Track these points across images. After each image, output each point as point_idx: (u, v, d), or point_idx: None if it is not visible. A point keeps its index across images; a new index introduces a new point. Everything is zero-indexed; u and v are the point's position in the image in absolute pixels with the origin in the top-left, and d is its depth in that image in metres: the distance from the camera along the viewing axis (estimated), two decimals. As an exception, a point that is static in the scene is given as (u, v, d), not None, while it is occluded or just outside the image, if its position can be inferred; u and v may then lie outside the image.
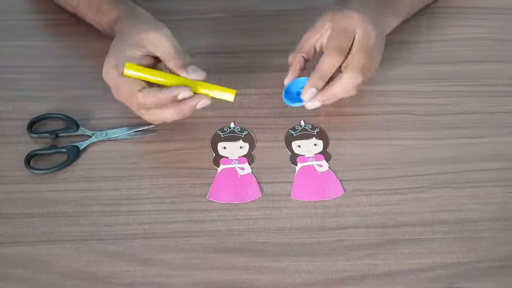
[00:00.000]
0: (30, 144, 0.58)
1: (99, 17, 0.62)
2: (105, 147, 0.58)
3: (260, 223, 0.53)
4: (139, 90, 0.52)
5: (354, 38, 0.55)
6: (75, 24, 0.68)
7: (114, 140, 0.58)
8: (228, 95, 0.53)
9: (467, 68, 0.65)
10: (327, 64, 0.55)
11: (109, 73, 0.53)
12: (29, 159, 0.56)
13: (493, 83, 0.64)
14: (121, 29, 0.57)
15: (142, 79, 0.53)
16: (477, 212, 0.53)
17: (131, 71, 0.52)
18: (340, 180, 0.55)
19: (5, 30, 0.68)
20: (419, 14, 0.69)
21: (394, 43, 0.66)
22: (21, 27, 0.69)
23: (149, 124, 0.59)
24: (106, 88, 0.62)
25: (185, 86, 0.52)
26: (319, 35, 0.57)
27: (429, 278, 0.49)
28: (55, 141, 0.58)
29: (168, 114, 0.53)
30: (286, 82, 0.57)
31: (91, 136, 0.58)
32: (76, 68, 0.65)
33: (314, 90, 0.55)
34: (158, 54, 0.53)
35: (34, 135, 0.58)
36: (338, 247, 0.51)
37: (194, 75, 0.52)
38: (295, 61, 0.57)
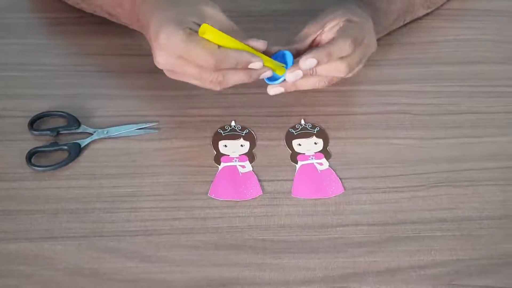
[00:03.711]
0: (31, 141, 0.58)
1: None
2: (107, 145, 0.58)
3: (261, 220, 0.53)
4: (219, 49, 0.50)
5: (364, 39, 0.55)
6: (77, 23, 0.68)
7: (115, 137, 0.58)
8: (279, 70, 0.55)
9: (465, 68, 0.66)
10: (339, 47, 0.53)
11: (174, 38, 0.50)
12: (31, 156, 0.56)
13: (491, 83, 0.65)
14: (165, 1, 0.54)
15: (215, 42, 0.50)
16: (475, 210, 0.54)
17: (209, 34, 0.50)
18: (340, 178, 0.56)
19: (7, 28, 0.69)
20: (418, 16, 0.70)
21: (394, 44, 0.67)
22: (23, 25, 0.69)
23: (151, 122, 0.59)
24: (108, 85, 0.63)
25: (258, 56, 0.52)
26: (322, 31, 0.56)
27: (429, 275, 0.50)
28: (57, 138, 0.58)
29: (237, 77, 0.53)
30: (275, 49, 0.55)
31: (92, 134, 0.58)
32: (77, 66, 0.65)
33: (315, 61, 0.52)
34: (216, 28, 0.52)
35: (35, 132, 0.58)
36: (339, 244, 0.51)
37: (260, 43, 0.53)
38: (288, 46, 0.56)
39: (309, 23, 0.57)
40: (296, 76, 0.54)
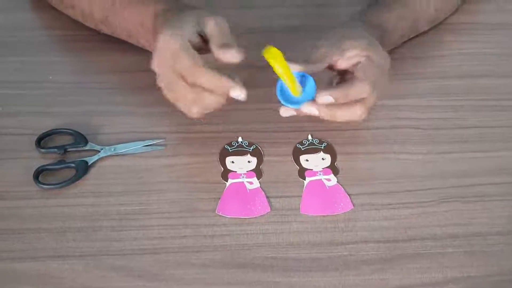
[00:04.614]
0: (38, 159, 0.58)
1: (141, 10, 0.59)
2: (114, 162, 0.58)
3: (270, 237, 0.52)
4: (203, 65, 0.51)
5: None
6: (82, 40, 0.68)
7: (122, 155, 0.58)
8: (296, 90, 0.54)
9: (472, 82, 0.66)
10: (357, 90, 0.52)
11: (169, 42, 0.51)
12: (38, 174, 0.56)
13: (496, 97, 0.65)
14: (175, 15, 0.55)
15: (271, 61, 0.51)
16: (486, 225, 0.53)
17: (271, 56, 0.51)
18: (348, 194, 0.55)
19: (13, 46, 0.69)
20: (426, 30, 0.70)
21: (401, 59, 0.67)
22: (29, 43, 0.69)
23: (157, 138, 0.59)
24: (115, 102, 0.63)
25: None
26: (340, 57, 0.54)
27: (441, 292, 0.49)
28: (64, 156, 0.58)
29: (211, 101, 0.52)
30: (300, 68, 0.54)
31: (99, 151, 0.58)
32: (84, 83, 0.65)
33: (331, 99, 0.52)
34: (207, 31, 0.52)
35: (42, 150, 0.58)
36: (349, 262, 0.51)
37: (229, 55, 0.52)
38: (304, 65, 0.55)
39: (324, 45, 0.55)
40: (311, 112, 0.53)
